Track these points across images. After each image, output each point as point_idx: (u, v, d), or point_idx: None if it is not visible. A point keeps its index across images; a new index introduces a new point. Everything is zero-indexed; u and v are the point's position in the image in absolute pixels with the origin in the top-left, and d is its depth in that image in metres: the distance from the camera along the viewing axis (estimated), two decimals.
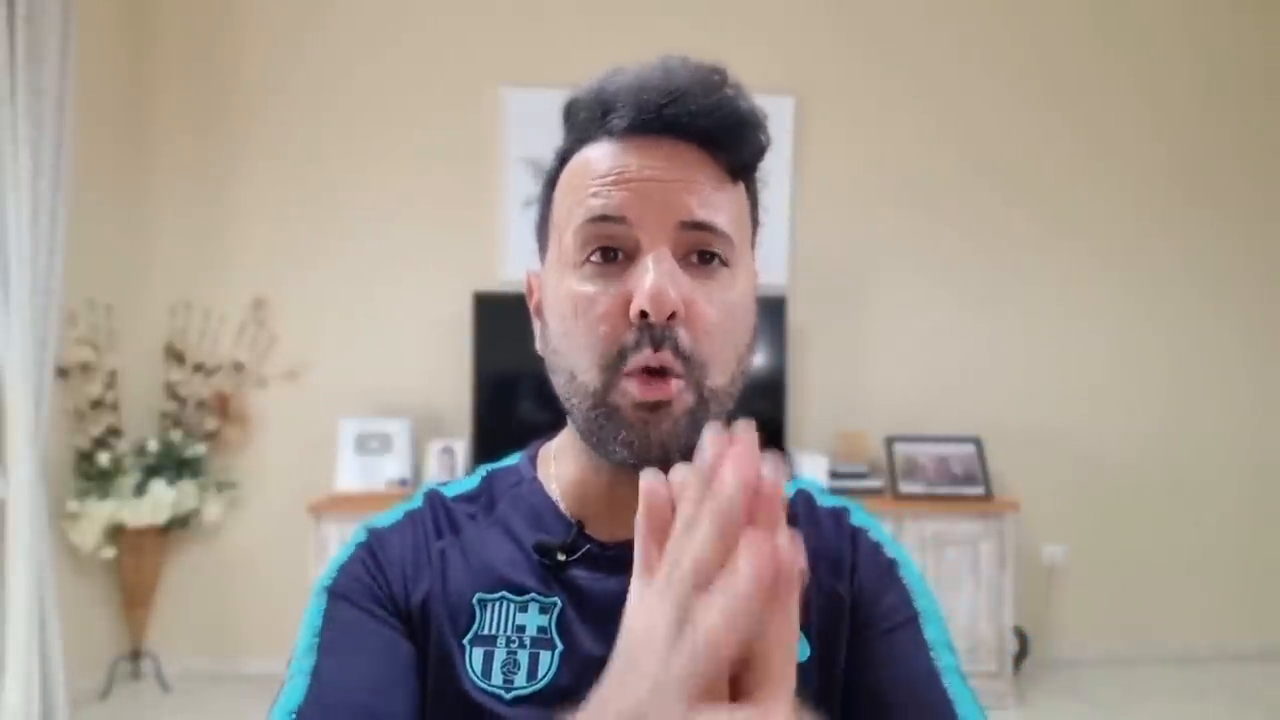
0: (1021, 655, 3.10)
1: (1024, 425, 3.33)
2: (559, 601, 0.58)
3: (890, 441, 3.15)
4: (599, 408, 0.54)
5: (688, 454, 0.55)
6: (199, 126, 3.16)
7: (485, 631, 0.57)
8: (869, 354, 3.34)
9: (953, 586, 2.88)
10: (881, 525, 0.66)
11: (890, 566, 0.62)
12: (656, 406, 0.53)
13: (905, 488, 3.05)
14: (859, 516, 0.65)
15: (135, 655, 3.01)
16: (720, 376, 0.55)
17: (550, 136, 0.63)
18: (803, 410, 3.26)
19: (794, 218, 3.27)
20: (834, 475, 3.04)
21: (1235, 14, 3.46)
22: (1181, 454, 3.41)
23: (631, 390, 0.53)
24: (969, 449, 3.13)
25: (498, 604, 0.58)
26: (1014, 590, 2.94)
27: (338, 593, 0.58)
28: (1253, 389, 3.45)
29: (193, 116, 3.15)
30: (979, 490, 3.03)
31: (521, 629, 0.57)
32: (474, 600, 0.58)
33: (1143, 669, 3.25)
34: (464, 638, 0.57)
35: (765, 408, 3.11)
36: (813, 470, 2.98)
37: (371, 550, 0.60)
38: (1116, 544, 3.37)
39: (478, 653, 0.57)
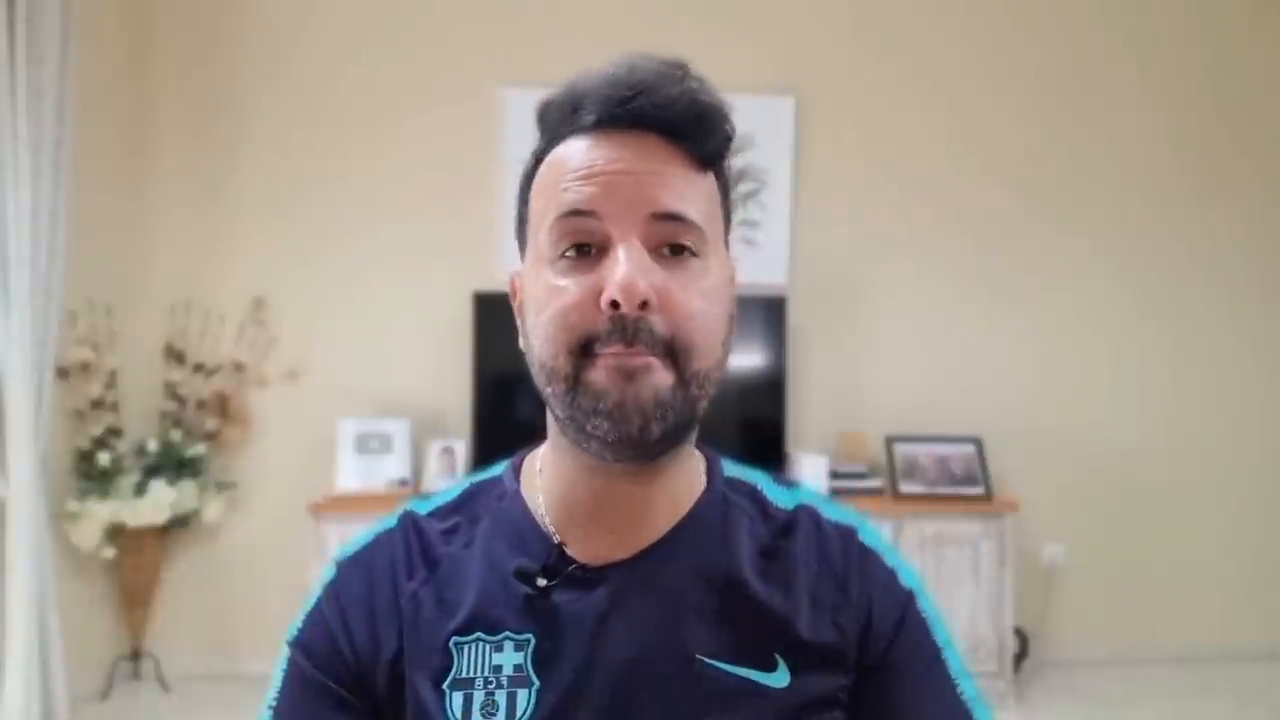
0: (1021, 655, 3.10)
1: (1024, 425, 3.32)
2: (532, 637, 0.57)
3: (890, 441, 3.15)
4: (573, 390, 0.54)
5: (668, 436, 0.54)
6: (199, 126, 3.16)
7: (463, 675, 0.57)
8: (869, 354, 3.34)
9: (953, 586, 2.88)
10: (889, 543, 0.65)
11: (908, 599, 0.62)
12: (634, 374, 0.52)
13: (905, 488, 3.05)
14: (868, 537, 0.64)
15: (135, 655, 3.01)
16: (701, 361, 0.55)
17: None
18: (803, 410, 3.26)
19: (794, 218, 3.27)
20: (834, 475, 3.04)
21: (1246, 13, 3.45)
22: (1182, 453, 3.40)
23: (604, 371, 0.53)
24: (969, 449, 3.12)
25: (473, 645, 0.58)
26: (1014, 590, 2.94)
27: (300, 649, 0.60)
28: (1252, 387, 3.44)
29: (193, 116, 3.15)
30: (979, 490, 3.03)
31: (498, 669, 0.57)
32: (449, 644, 0.58)
33: (1143, 669, 3.25)
34: (443, 683, 0.57)
35: (765, 408, 3.11)
36: (813, 470, 2.98)
37: (337, 594, 0.61)
38: (1117, 544, 3.37)
39: (457, 696, 0.56)
